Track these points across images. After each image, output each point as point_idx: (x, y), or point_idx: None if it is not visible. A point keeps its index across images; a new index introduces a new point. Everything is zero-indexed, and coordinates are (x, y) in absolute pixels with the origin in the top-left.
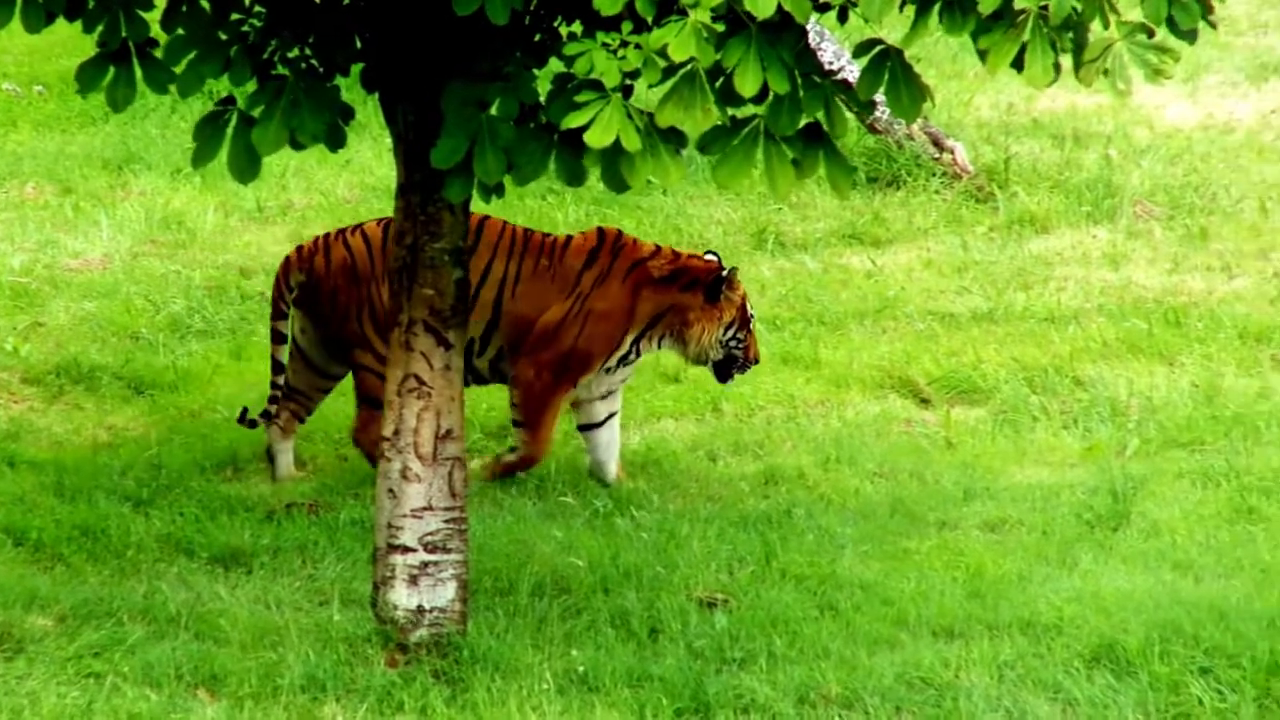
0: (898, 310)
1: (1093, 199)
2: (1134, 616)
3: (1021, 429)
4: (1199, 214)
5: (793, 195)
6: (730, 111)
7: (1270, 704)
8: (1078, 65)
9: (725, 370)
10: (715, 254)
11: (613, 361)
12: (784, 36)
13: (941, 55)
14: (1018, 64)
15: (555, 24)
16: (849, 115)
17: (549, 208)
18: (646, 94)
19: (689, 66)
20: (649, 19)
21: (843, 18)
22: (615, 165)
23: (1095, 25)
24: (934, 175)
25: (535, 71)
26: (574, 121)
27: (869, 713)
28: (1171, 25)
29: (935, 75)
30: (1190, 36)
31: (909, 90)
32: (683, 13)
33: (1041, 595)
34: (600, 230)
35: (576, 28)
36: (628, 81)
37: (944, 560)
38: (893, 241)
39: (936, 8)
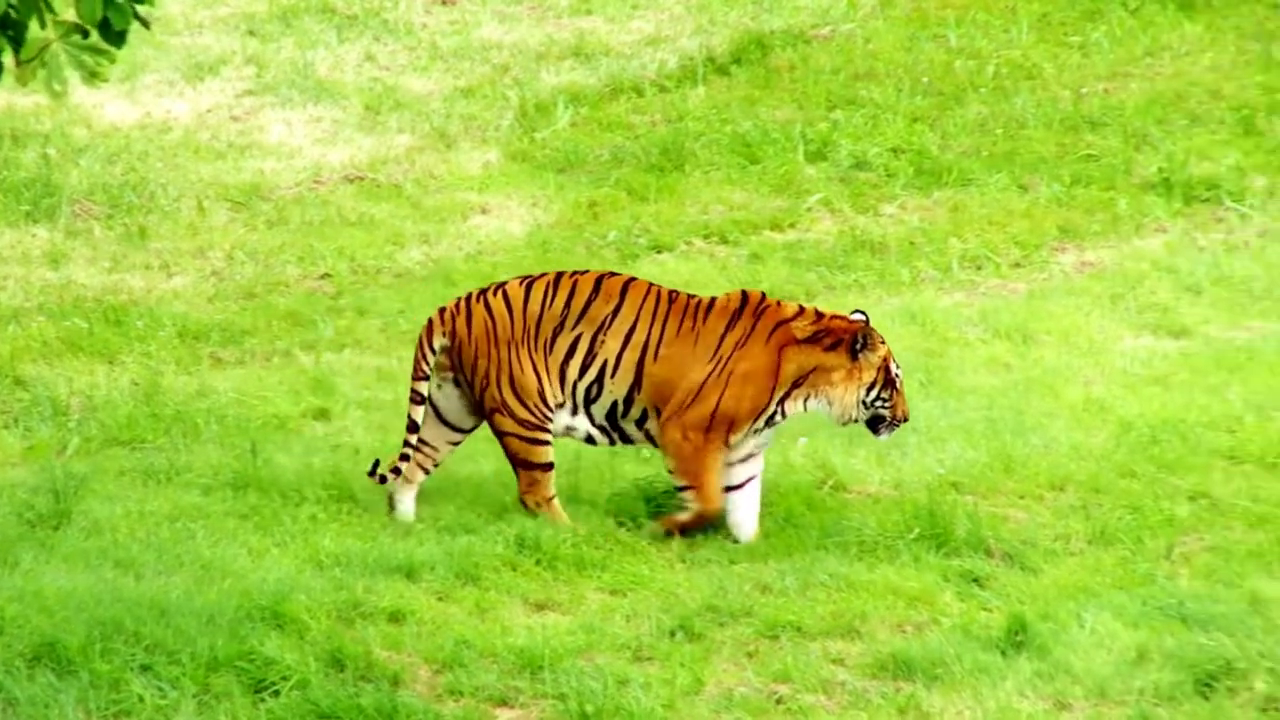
0: None
1: (32, 198)
2: (75, 615)
3: None
4: (138, 213)
5: None
6: None
7: (209, 699)
8: (17, 65)
9: (875, 428)
10: (863, 313)
11: (760, 423)
12: None
13: None
14: None
15: None
16: None
17: None
18: None
19: None
20: None
21: None
22: None
23: (35, 25)
24: None
25: None
26: None
27: None
28: (105, 27)
29: None
30: (119, 39)
31: None
32: None
33: None
34: (744, 293)
35: None
36: None
37: None
38: None
39: None
